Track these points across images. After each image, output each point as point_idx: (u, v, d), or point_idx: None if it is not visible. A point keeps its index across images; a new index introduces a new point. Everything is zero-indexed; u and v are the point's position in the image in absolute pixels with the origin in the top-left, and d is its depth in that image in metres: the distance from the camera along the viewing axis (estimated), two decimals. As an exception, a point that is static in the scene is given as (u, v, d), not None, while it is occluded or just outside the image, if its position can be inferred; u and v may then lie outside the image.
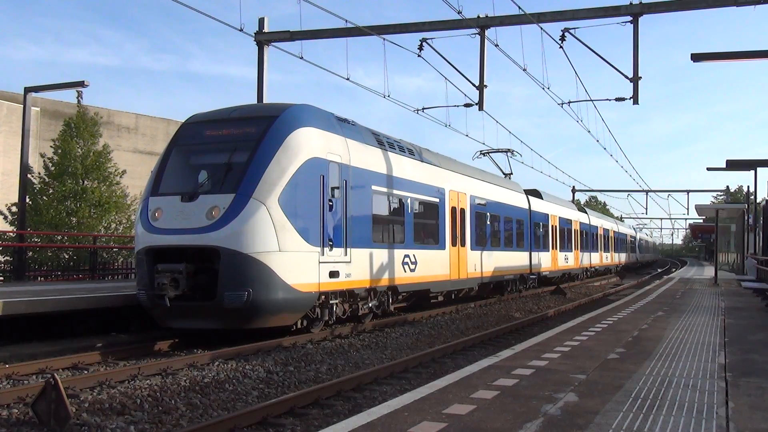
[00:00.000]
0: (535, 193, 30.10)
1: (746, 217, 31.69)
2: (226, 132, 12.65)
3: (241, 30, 15.52)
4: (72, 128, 26.68)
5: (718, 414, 5.12)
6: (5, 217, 25.40)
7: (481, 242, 21.15)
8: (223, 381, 8.97)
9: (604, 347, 8.44)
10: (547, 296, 26.54)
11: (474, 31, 17.52)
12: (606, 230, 45.98)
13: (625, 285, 35.88)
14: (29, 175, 22.02)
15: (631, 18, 16.67)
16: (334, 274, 12.80)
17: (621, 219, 70.43)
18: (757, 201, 33.79)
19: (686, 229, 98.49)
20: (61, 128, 27.67)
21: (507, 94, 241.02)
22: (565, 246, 33.26)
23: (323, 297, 12.74)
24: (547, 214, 30.18)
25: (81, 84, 20.47)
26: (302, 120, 12.68)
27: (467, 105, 19.09)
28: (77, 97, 27.00)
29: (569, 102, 20.78)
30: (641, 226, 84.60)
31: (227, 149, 12.29)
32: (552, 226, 30.68)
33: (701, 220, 49.49)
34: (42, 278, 20.88)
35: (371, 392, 8.73)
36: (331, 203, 12.81)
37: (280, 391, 8.72)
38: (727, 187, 62.57)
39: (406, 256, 15.96)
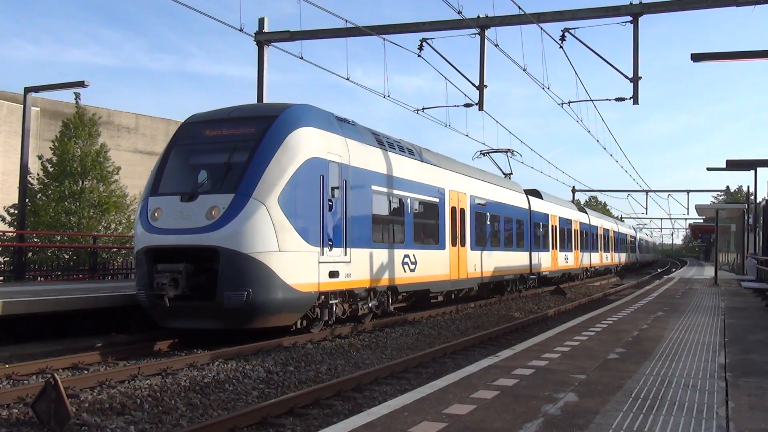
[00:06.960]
0: (535, 193, 30.09)
1: (746, 217, 31.66)
2: (226, 132, 12.64)
3: (241, 30, 15.52)
4: (70, 129, 26.63)
5: (718, 414, 5.12)
6: (3, 219, 25.34)
7: (481, 242, 21.14)
8: (223, 381, 8.97)
9: (604, 347, 8.44)
10: (547, 296, 26.54)
11: (474, 31, 17.52)
12: (606, 230, 45.99)
13: (625, 285, 35.89)
14: (28, 177, 21.99)
15: (631, 18, 16.68)
16: (333, 274, 12.80)
17: (621, 219, 70.43)
18: (757, 201, 33.74)
19: (686, 229, 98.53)
20: (59, 129, 27.61)
21: (507, 94, 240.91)
22: (565, 246, 33.26)
23: (323, 297, 12.73)
24: (547, 214, 30.18)
25: (81, 84, 20.45)
26: (302, 120, 12.67)
27: (467, 105, 19.09)
28: (75, 99, 27.03)
29: (569, 102, 20.81)
30: (641, 226, 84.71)
31: (227, 149, 12.27)
32: (552, 226, 30.68)
33: (701, 220, 49.49)
34: (42, 278, 20.86)
35: (371, 392, 8.73)
36: (330, 203, 12.80)
37: (280, 391, 8.72)
38: (727, 187, 62.73)
39: (406, 256, 15.95)
